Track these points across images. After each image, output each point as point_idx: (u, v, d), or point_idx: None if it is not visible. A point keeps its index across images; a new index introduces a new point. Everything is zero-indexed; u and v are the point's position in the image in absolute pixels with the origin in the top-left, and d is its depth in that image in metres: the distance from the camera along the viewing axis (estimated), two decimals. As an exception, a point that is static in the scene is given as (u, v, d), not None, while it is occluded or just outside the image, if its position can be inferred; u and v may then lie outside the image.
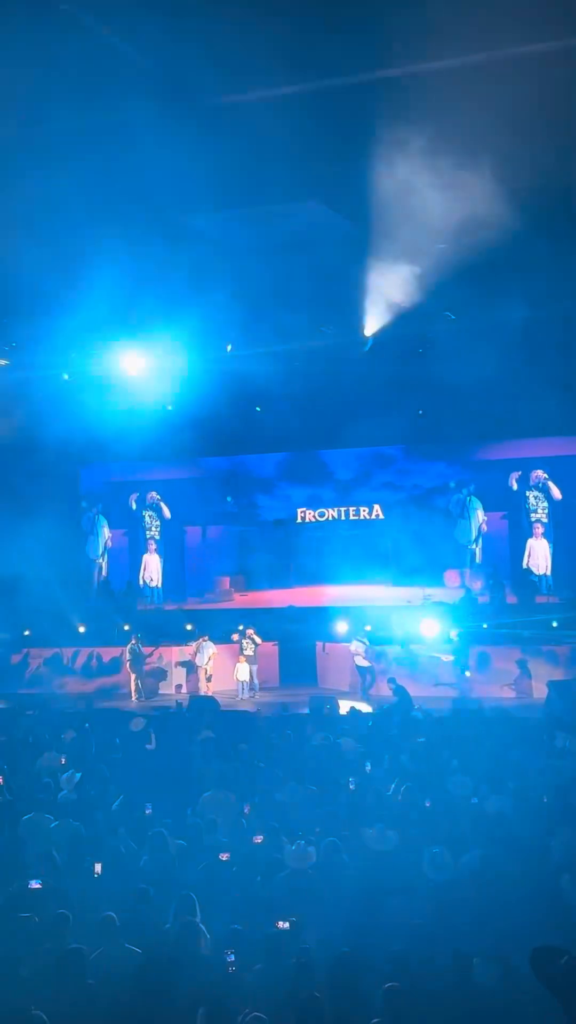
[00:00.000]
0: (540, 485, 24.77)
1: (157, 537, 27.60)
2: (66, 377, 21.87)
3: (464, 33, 10.34)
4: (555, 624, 20.44)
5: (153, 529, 27.59)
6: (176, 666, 22.15)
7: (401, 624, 21.41)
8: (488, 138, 12.10)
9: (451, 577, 24.72)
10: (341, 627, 22.56)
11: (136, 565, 27.76)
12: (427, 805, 10.43)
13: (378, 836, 9.03)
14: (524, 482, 25.02)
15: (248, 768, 12.32)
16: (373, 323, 19.10)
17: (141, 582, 27.28)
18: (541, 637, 20.13)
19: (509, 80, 10.92)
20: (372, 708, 17.79)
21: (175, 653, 22.35)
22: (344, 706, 17.79)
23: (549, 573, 24.51)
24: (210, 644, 21.58)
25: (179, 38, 10.81)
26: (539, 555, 24.77)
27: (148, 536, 27.54)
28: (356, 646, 20.64)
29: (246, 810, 10.40)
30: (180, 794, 11.36)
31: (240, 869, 8.76)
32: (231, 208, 15.40)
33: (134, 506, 27.36)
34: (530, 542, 24.91)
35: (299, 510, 27.29)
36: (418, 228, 14.22)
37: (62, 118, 11.99)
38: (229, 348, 21.02)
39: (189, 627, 22.70)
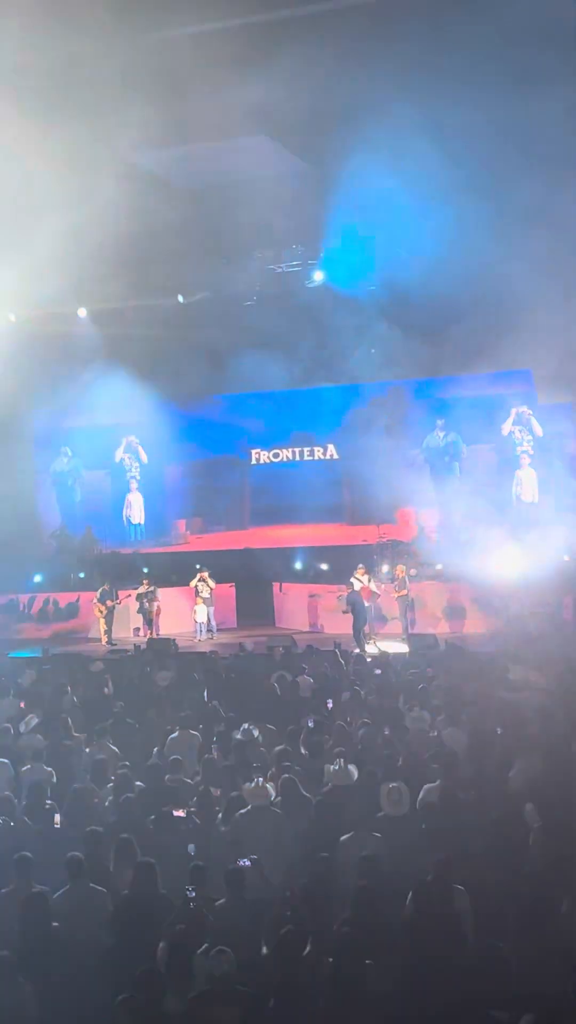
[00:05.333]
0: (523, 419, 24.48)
1: (138, 477, 27.67)
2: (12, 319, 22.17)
3: None
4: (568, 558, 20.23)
5: (134, 470, 27.78)
6: (135, 611, 22.08)
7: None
8: None
9: (405, 515, 24.66)
10: (298, 567, 23.02)
11: (105, 506, 27.87)
12: (386, 733, 10.57)
13: (338, 771, 9.02)
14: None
15: (205, 708, 12.27)
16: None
17: (124, 520, 27.47)
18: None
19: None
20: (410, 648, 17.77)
21: (132, 597, 22.25)
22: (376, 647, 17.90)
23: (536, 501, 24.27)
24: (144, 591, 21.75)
25: None
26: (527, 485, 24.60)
27: (129, 476, 27.76)
28: (386, 584, 20.48)
29: (215, 753, 10.39)
30: (141, 735, 11.37)
31: (199, 808, 8.76)
32: None
33: (122, 453, 27.56)
34: (518, 473, 24.63)
35: (253, 451, 27.25)
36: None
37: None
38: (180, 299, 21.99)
39: (145, 570, 22.85)
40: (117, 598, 21.86)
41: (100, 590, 21.91)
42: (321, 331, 22.84)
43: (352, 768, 9.03)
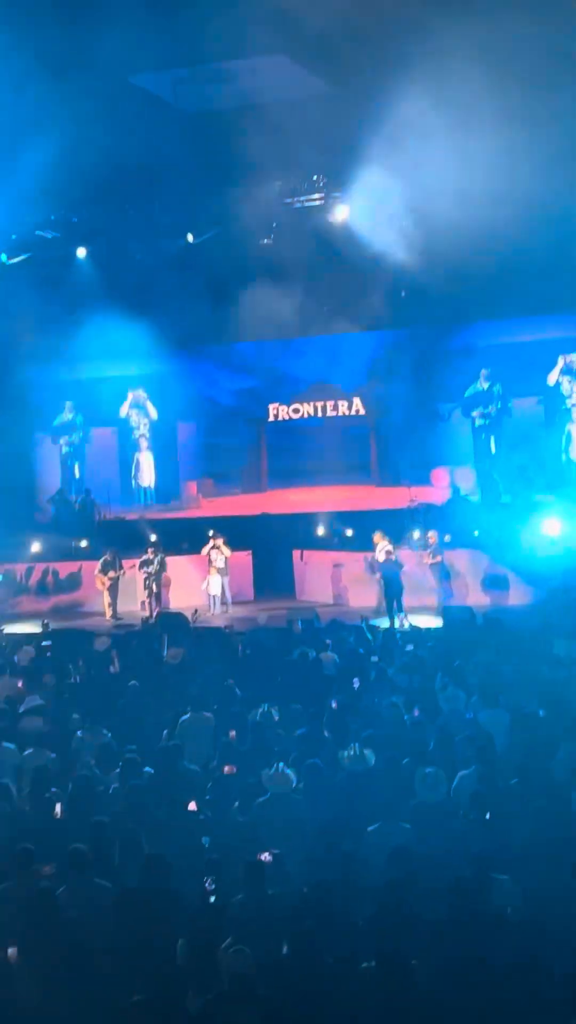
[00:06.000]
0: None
1: (147, 435, 27.60)
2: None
3: None
4: None
5: (142, 427, 27.63)
6: (143, 582, 21.76)
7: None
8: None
9: (439, 475, 24.59)
10: (321, 533, 22.60)
11: (112, 467, 27.79)
12: (415, 714, 10.61)
13: (353, 756, 9.12)
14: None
15: (221, 688, 12.18)
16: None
17: (133, 483, 27.50)
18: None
19: None
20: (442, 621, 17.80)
21: (139, 567, 21.93)
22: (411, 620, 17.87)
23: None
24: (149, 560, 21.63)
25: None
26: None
27: (137, 435, 27.64)
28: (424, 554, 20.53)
29: (232, 735, 10.50)
30: (151, 717, 11.42)
31: (215, 796, 8.83)
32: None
33: (128, 409, 27.47)
34: (570, 427, 24.32)
35: (271, 405, 27.01)
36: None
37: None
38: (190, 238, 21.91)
39: (153, 538, 22.34)
40: (121, 568, 21.64)
41: (102, 560, 21.69)
42: (346, 272, 22.57)
43: (368, 753, 9.10)
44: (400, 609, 18.75)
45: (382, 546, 19.30)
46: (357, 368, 25.32)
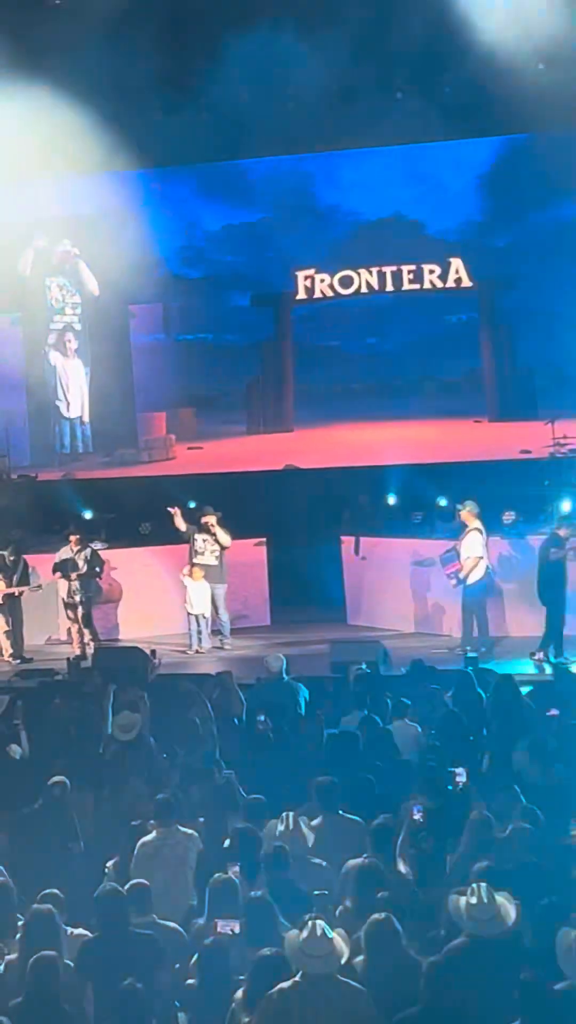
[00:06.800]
0: None
1: (76, 327, 23.14)
2: None
3: None
4: None
5: (68, 312, 23.16)
6: (64, 595, 18.38)
7: None
8: None
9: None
10: (391, 503, 20.26)
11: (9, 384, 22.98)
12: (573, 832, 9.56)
13: (478, 907, 7.62)
14: None
15: (212, 786, 10.96)
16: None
17: (52, 412, 23.36)
18: None
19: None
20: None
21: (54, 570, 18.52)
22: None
23: None
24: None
25: None
26: None
27: (58, 327, 23.19)
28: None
29: (230, 872, 8.96)
30: (90, 836, 10.59)
31: (204, 977, 7.78)
32: None
33: (28, 271, 22.90)
34: None
35: (301, 273, 22.38)
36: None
37: None
38: None
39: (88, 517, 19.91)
40: (29, 573, 18.48)
41: None
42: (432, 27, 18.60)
43: (505, 900, 7.71)
44: (554, 639, 16.75)
45: (474, 537, 17.06)
46: (458, 205, 21.63)
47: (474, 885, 7.85)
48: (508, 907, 7.78)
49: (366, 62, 19.69)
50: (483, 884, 7.86)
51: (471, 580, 17.07)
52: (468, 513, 17.16)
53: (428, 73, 20.01)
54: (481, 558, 16.96)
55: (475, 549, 16.91)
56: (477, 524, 17.10)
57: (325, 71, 19.18)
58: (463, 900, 7.82)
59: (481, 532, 17.08)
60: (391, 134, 20.65)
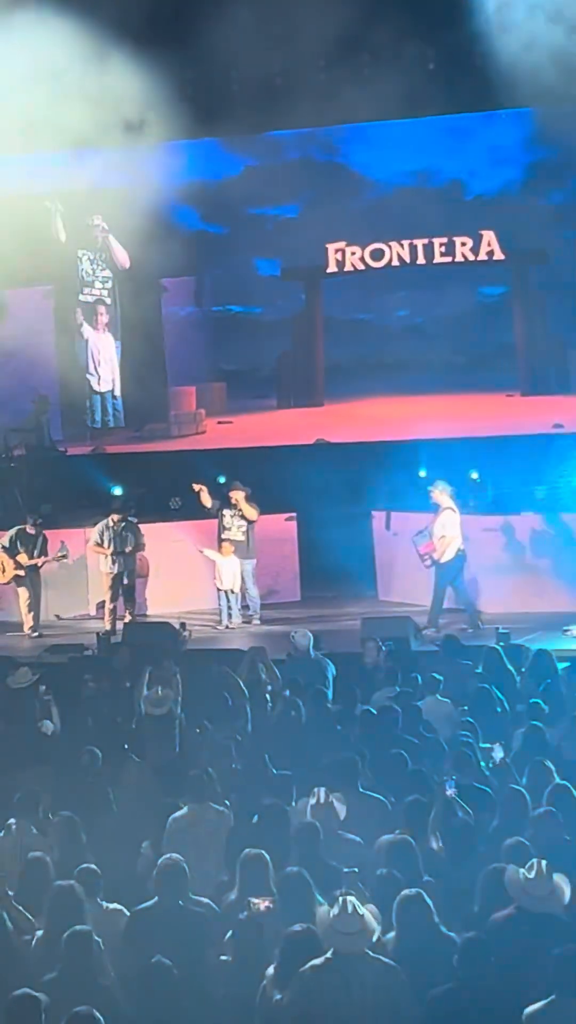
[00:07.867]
0: None
1: (107, 300, 23.53)
2: None
3: None
4: None
5: (97, 287, 23.49)
6: (99, 569, 18.60)
7: None
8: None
9: None
10: (422, 475, 19.58)
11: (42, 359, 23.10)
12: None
13: (528, 882, 7.68)
14: None
15: (243, 762, 11.03)
16: None
17: (85, 387, 23.64)
18: None
19: None
20: None
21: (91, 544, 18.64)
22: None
23: None
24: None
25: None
26: None
27: (89, 301, 23.48)
28: None
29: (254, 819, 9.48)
30: (119, 813, 10.27)
31: (237, 952, 7.79)
32: None
33: (62, 237, 22.96)
34: None
35: (332, 247, 22.72)
36: None
37: None
38: None
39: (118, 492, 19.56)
40: (51, 549, 18.34)
41: (13, 532, 18.26)
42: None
43: (559, 879, 7.73)
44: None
45: (447, 516, 17.10)
46: (492, 176, 22.09)
47: (533, 860, 7.92)
48: (564, 886, 7.85)
49: (400, 34, 19.45)
50: (543, 860, 7.91)
51: (443, 559, 17.21)
52: (440, 493, 17.33)
53: (461, 45, 19.54)
54: (455, 537, 17.05)
55: (448, 528, 17.02)
56: (450, 503, 17.21)
57: (358, 39, 19.10)
58: (521, 872, 7.88)
59: (455, 511, 17.21)
60: (424, 106, 20.39)
